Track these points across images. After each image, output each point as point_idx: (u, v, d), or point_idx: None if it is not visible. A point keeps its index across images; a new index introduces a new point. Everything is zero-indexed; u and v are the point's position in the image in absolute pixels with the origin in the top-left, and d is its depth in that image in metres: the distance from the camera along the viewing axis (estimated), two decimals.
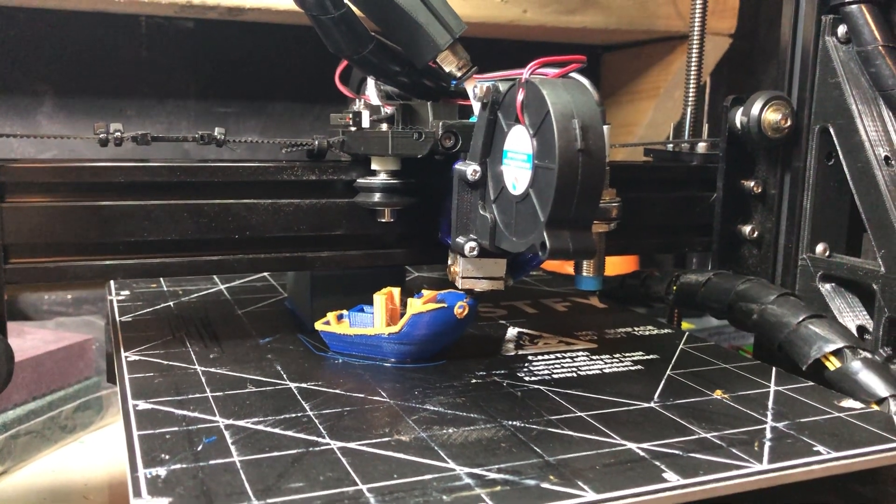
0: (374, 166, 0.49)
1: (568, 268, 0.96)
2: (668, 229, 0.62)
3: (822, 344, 0.47)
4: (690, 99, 0.66)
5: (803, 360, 0.47)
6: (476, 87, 0.43)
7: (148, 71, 0.90)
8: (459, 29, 0.44)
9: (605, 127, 0.43)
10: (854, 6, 0.52)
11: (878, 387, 0.44)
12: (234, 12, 0.81)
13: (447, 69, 0.45)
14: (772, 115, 0.55)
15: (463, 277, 0.46)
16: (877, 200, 0.51)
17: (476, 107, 0.44)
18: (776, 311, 0.51)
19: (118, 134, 0.46)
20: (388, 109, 0.48)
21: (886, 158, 0.51)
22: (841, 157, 0.53)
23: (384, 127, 0.48)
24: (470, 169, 0.43)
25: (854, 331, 0.52)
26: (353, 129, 0.49)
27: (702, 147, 0.64)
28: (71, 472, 0.66)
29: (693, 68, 0.66)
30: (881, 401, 0.44)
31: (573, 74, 0.42)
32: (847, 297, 0.54)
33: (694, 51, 0.66)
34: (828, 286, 0.54)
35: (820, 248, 0.55)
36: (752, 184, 0.58)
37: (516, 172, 0.40)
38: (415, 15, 0.43)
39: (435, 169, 0.48)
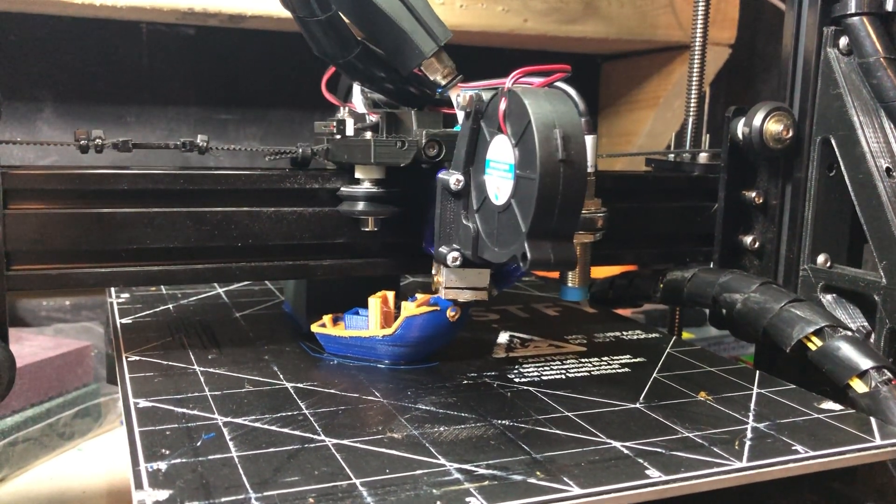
0: (357, 175, 0.49)
1: None
2: (669, 239, 0.62)
3: (804, 325, 0.48)
4: (692, 109, 0.66)
5: (786, 342, 0.48)
6: (459, 96, 0.43)
7: (149, 78, 0.90)
8: (445, 37, 0.44)
9: (589, 137, 0.43)
10: (856, 18, 0.52)
11: (860, 360, 0.45)
12: (236, 20, 0.81)
13: (432, 77, 0.44)
14: (773, 126, 0.55)
15: (446, 288, 0.46)
16: (878, 211, 0.51)
17: (460, 115, 0.44)
18: (759, 298, 0.51)
19: (99, 141, 0.46)
20: (374, 117, 0.48)
21: (888, 170, 0.51)
22: (842, 168, 0.53)
23: (368, 135, 0.48)
24: (453, 178, 0.43)
25: None
26: (337, 137, 0.49)
27: (703, 157, 0.64)
28: (69, 480, 0.66)
29: (695, 78, 0.66)
30: (863, 373, 0.44)
31: (558, 84, 0.42)
32: (848, 308, 0.54)
33: (695, 61, 0.66)
34: (829, 297, 0.54)
35: (821, 258, 0.55)
36: (754, 194, 0.58)
37: (498, 182, 0.40)
38: (400, 22, 0.43)
39: (420, 178, 0.48)
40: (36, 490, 0.64)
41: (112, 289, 0.64)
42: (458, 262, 0.44)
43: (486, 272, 0.46)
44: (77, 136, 0.46)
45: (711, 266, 0.59)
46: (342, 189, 0.49)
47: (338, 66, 0.47)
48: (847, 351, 0.45)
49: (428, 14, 0.44)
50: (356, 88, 0.49)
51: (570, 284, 0.48)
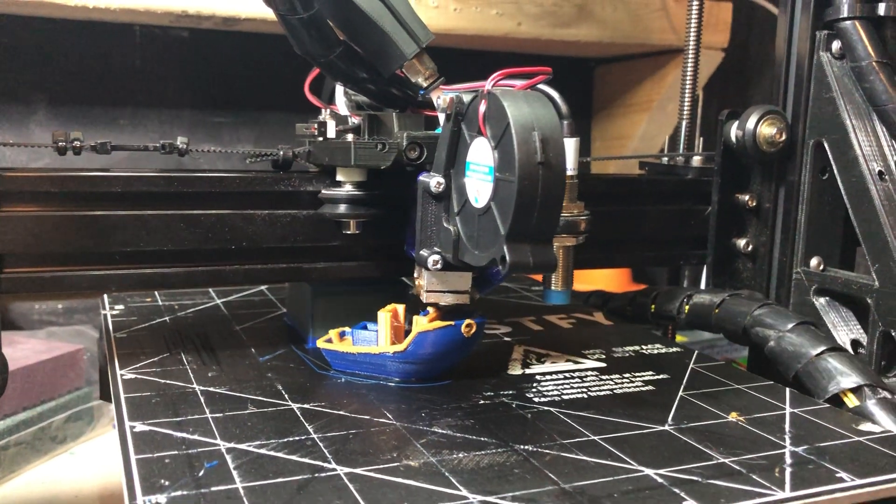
0: (339, 177, 0.49)
1: None
2: (662, 242, 0.62)
3: (841, 379, 0.46)
4: (685, 112, 0.66)
5: (821, 393, 0.46)
6: (440, 98, 0.43)
7: (142, 80, 0.90)
8: (426, 38, 0.44)
9: (572, 140, 0.43)
10: (848, 22, 0.52)
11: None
12: (230, 22, 0.81)
13: (413, 79, 0.44)
14: (767, 129, 0.55)
15: (427, 291, 0.45)
16: (871, 215, 0.51)
17: (441, 118, 0.43)
18: (794, 340, 0.49)
19: (77, 143, 0.46)
20: (356, 119, 0.48)
21: (880, 173, 0.51)
22: (835, 171, 0.53)
23: (349, 137, 0.47)
24: (434, 181, 0.42)
25: (848, 345, 0.52)
26: (318, 139, 0.49)
27: (697, 160, 0.64)
28: (61, 484, 0.66)
29: (688, 82, 0.67)
30: None
31: (541, 87, 0.42)
32: (841, 311, 0.54)
33: (689, 64, 0.66)
34: (822, 300, 0.54)
35: (814, 261, 0.55)
36: (747, 197, 0.58)
37: (478, 185, 0.39)
38: (381, 23, 0.43)
39: (403, 180, 0.47)
40: (28, 494, 0.64)
41: (106, 300, 0.62)
42: (439, 266, 0.43)
43: (468, 275, 0.45)
44: (55, 137, 0.46)
45: (736, 291, 0.58)
46: (323, 191, 0.49)
47: (319, 66, 0.46)
48: (883, 420, 0.43)
49: (410, 16, 0.43)
50: (339, 90, 0.48)
51: (553, 288, 0.48)
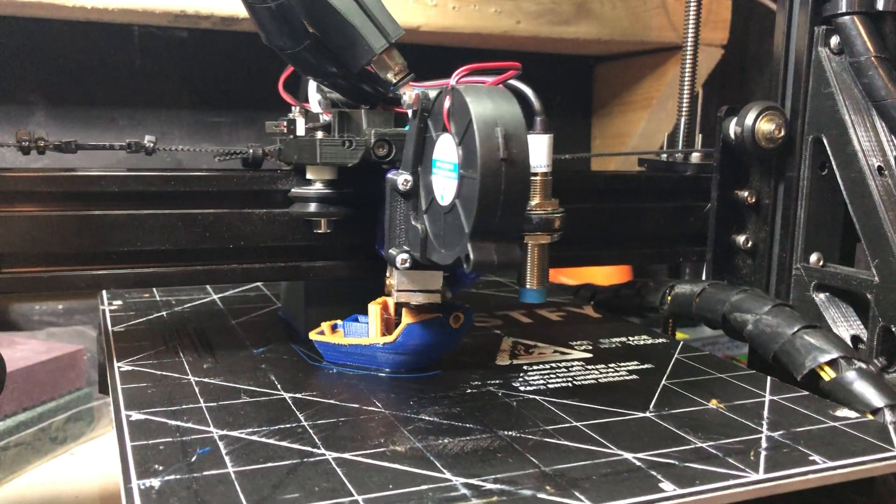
0: (309, 175, 0.48)
1: (561, 277, 0.96)
2: (662, 239, 0.62)
3: (817, 354, 0.47)
4: (684, 109, 0.66)
5: (798, 370, 0.47)
6: (406, 94, 0.42)
7: (140, 80, 0.90)
8: (396, 34, 0.43)
9: (545, 136, 0.42)
10: (847, 17, 0.52)
11: (874, 397, 0.44)
12: (228, 22, 0.81)
13: (382, 75, 0.43)
14: (765, 126, 0.55)
15: (398, 290, 0.45)
16: (870, 210, 0.51)
17: (410, 114, 0.43)
18: (771, 321, 0.51)
19: (42, 142, 0.45)
20: (328, 117, 0.47)
21: (879, 168, 0.51)
22: (834, 167, 0.53)
23: (319, 135, 0.46)
24: (401, 178, 0.42)
25: (848, 340, 0.52)
26: (289, 137, 0.48)
27: (696, 157, 0.64)
28: (62, 485, 0.66)
29: (687, 79, 0.66)
30: (876, 411, 0.43)
31: (512, 82, 0.41)
32: (841, 307, 0.54)
33: (688, 61, 0.66)
34: (822, 296, 0.54)
35: (814, 257, 0.55)
36: (746, 194, 0.58)
37: (444, 182, 0.39)
38: (350, 17, 0.42)
39: (375, 179, 0.47)
40: (28, 495, 0.64)
41: (104, 296, 0.63)
42: (407, 265, 0.43)
43: (439, 274, 0.45)
44: (19, 136, 0.46)
45: (715, 281, 0.58)
46: (293, 190, 0.49)
47: (287, 58, 0.45)
48: (861, 387, 0.44)
49: (379, 10, 0.43)
50: (311, 86, 0.48)
51: (528, 286, 0.47)
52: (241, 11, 0.77)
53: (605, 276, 1.01)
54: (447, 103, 0.38)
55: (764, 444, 0.38)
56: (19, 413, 0.68)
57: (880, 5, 0.52)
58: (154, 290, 0.66)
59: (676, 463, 0.36)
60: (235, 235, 0.48)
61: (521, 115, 0.36)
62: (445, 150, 0.39)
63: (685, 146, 0.66)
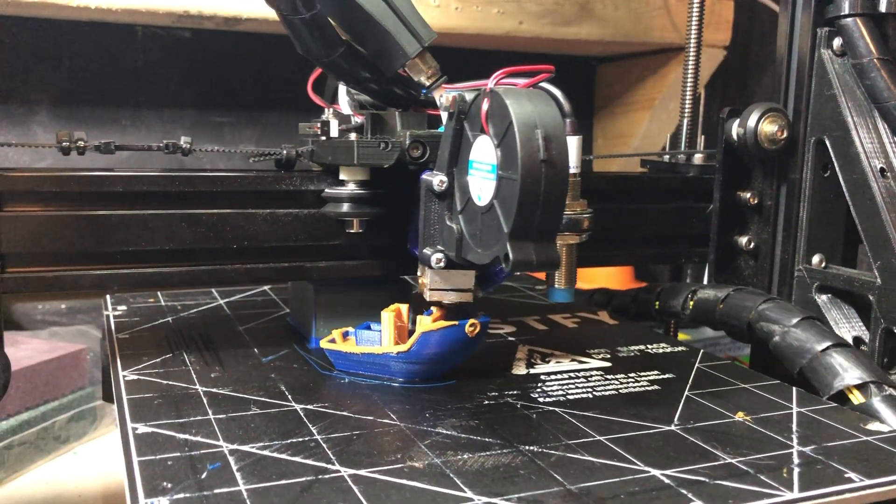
0: (342, 176, 0.49)
1: None
2: (664, 240, 0.62)
3: (846, 375, 0.46)
4: (686, 110, 0.66)
5: (825, 390, 0.46)
6: (442, 97, 0.42)
7: (144, 80, 0.90)
8: (429, 38, 0.44)
9: (574, 138, 0.43)
10: (849, 19, 0.52)
11: None
12: (231, 22, 0.81)
13: (416, 78, 0.44)
14: (768, 127, 0.55)
15: (431, 289, 0.45)
16: (872, 212, 0.51)
17: (444, 116, 0.43)
18: (800, 335, 0.49)
19: (81, 143, 0.46)
20: (359, 119, 0.47)
21: (882, 170, 0.51)
22: (837, 168, 0.53)
23: (352, 136, 0.47)
24: (437, 179, 0.42)
25: (850, 341, 0.52)
26: (321, 138, 0.49)
27: (698, 158, 0.64)
28: (65, 484, 0.66)
29: (689, 80, 0.67)
30: None
31: (543, 84, 0.42)
32: (843, 308, 0.54)
33: (690, 62, 0.66)
34: (824, 297, 0.54)
35: (816, 259, 0.55)
36: (749, 195, 0.58)
37: (481, 183, 0.40)
38: (384, 23, 0.43)
39: (407, 179, 0.47)
40: (32, 494, 0.64)
41: (108, 301, 0.62)
42: (442, 264, 0.43)
43: (471, 274, 0.45)
44: (59, 137, 0.46)
45: (740, 286, 0.57)
46: (326, 190, 0.49)
47: (322, 66, 0.46)
48: (889, 417, 0.43)
49: (412, 15, 0.43)
50: (342, 89, 0.48)
51: (556, 286, 0.48)
52: (244, 12, 0.78)
53: (606, 276, 1.01)
54: (485, 105, 0.39)
55: (796, 459, 0.37)
56: (22, 412, 0.68)
57: (883, 7, 0.52)
58: (159, 294, 0.65)
59: (707, 480, 0.35)
60: (239, 235, 0.48)
61: (559, 118, 0.37)
62: (483, 151, 0.40)
63: (687, 147, 0.66)
